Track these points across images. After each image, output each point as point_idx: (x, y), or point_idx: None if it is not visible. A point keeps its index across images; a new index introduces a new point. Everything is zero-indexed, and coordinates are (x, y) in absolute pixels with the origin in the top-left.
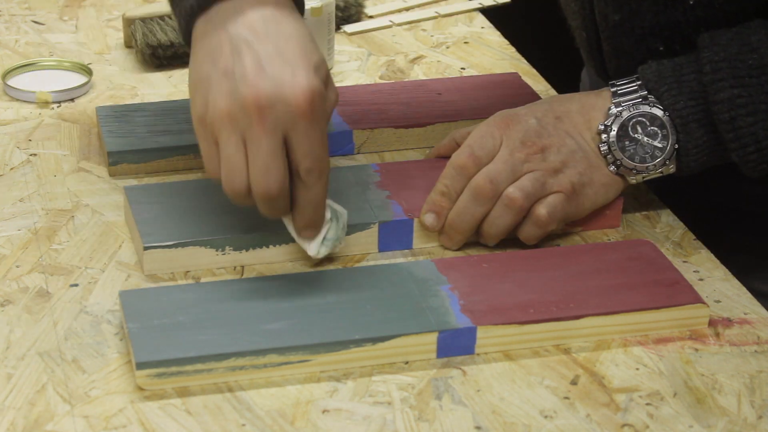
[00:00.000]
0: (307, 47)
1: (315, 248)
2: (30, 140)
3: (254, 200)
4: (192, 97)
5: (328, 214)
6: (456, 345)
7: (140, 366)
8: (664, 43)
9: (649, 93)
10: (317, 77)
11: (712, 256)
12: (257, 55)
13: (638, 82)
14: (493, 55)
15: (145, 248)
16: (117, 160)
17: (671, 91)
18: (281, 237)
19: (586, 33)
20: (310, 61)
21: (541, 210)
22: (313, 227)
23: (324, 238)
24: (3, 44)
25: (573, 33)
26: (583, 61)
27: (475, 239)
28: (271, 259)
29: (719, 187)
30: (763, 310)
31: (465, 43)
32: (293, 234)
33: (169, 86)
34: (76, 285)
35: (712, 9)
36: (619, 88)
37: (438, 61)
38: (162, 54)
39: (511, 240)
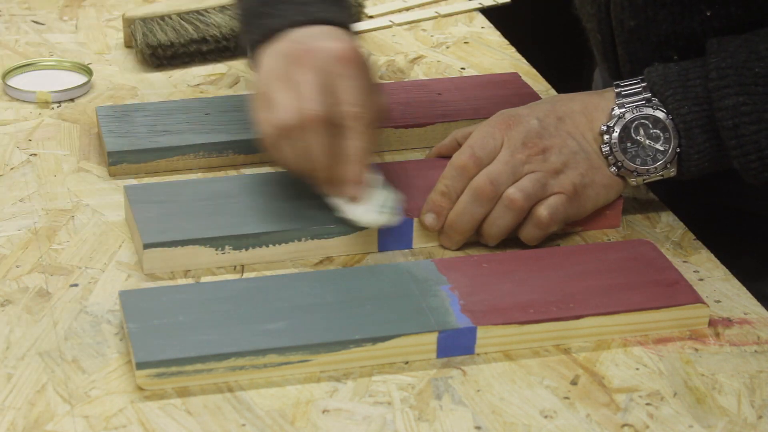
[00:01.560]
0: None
1: (366, 215)
2: (30, 140)
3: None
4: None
5: (374, 178)
6: (456, 345)
7: (140, 366)
8: (679, 53)
9: (654, 95)
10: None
11: (712, 256)
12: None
13: (643, 84)
14: (493, 55)
15: (145, 247)
16: (117, 160)
17: (676, 96)
18: (281, 237)
19: (601, 36)
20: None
21: (542, 211)
22: (355, 183)
23: (380, 206)
24: (3, 44)
25: (588, 35)
26: (584, 62)
27: (475, 239)
28: (271, 258)
29: (724, 190)
30: (763, 310)
31: (465, 43)
32: (348, 214)
33: (169, 86)
34: (76, 285)
35: (728, 21)
36: (623, 89)
37: (438, 61)
38: (162, 54)
39: (511, 240)
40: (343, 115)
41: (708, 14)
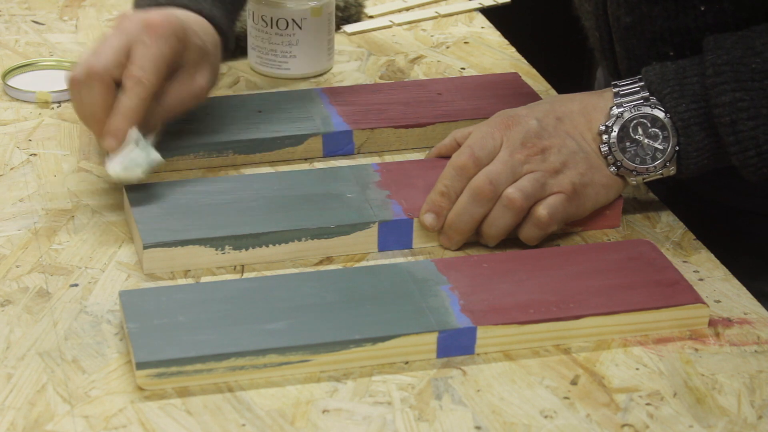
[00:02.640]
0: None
1: (114, 166)
2: (30, 140)
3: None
4: None
5: (134, 136)
6: (456, 345)
7: (140, 366)
8: (675, 49)
9: (651, 95)
10: (188, 30)
11: (712, 256)
12: None
13: (641, 83)
14: (493, 55)
15: (145, 247)
16: None
17: (673, 94)
18: (281, 237)
19: (599, 33)
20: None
21: (542, 211)
22: (113, 136)
23: (126, 159)
24: (3, 44)
25: (586, 33)
26: (584, 62)
27: (475, 239)
28: (271, 258)
29: (723, 188)
30: (763, 310)
31: (465, 43)
32: (106, 165)
33: None
34: (76, 285)
35: (723, 16)
36: (621, 89)
37: (438, 61)
38: None
39: (511, 240)
40: (125, 75)
41: (702, 9)
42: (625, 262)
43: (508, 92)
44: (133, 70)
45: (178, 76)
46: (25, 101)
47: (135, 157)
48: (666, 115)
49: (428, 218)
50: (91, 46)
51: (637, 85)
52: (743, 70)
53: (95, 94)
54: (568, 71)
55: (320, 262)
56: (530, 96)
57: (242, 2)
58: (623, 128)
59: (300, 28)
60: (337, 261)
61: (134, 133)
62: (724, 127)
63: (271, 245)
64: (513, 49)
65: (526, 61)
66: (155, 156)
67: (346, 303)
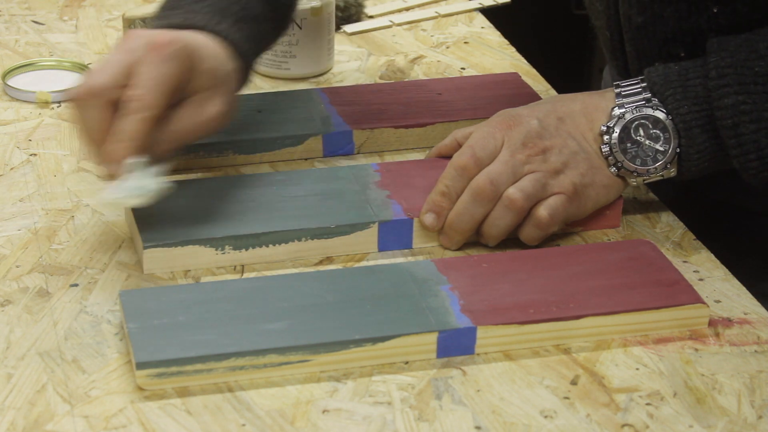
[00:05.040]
0: None
1: (108, 194)
2: (30, 140)
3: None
4: None
5: (133, 163)
6: (456, 345)
7: (140, 366)
8: (686, 50)
9: (654, 96)
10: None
11: (712, 256)
12: None
13: (643, 84)
14: (493, 55)
15: (145, 247)
16: None
17: (676, 95)
18: (281, 237)
19: (609, 33)
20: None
21: (543, 211)
22: (110, 161)
23: (122, 188)
24: (3, 44)
25: (596, 32)
26: (584, 62)
27: (475, 239)
28: (271, 258)
29: (728, 189)
30: (763, 310)
31: (465, 43)
32: (102, 192)
33: None
34: (76, 285)
35: (735, 18)
36: (623, 89)
37: (438, 61)
38: None
39: (511, 240)
40: (126, 96)
41: (714, 11)
42: (625, 262)
43: (508, 92)
44: (133, 90)
45: (187, 103)
46: (25, 101)
47: (132, 186)
48: (668, 116)
49: (429, 218)
50: (95, 65)
51: (639, 86)
52: (747, 73)
53: (92, 114)
54: (568, 71)
55: (320, 262)
56: (530, 96)
57: (274, 22)
58: (624, 129)
59: (300, 28)
60: (337, 261)
61: (134, 159)
62: (726, 130)
63: (271, 245)
64: (513, 49)
65: (526, 61)
66: (157, 184)
67: (346, 303)
